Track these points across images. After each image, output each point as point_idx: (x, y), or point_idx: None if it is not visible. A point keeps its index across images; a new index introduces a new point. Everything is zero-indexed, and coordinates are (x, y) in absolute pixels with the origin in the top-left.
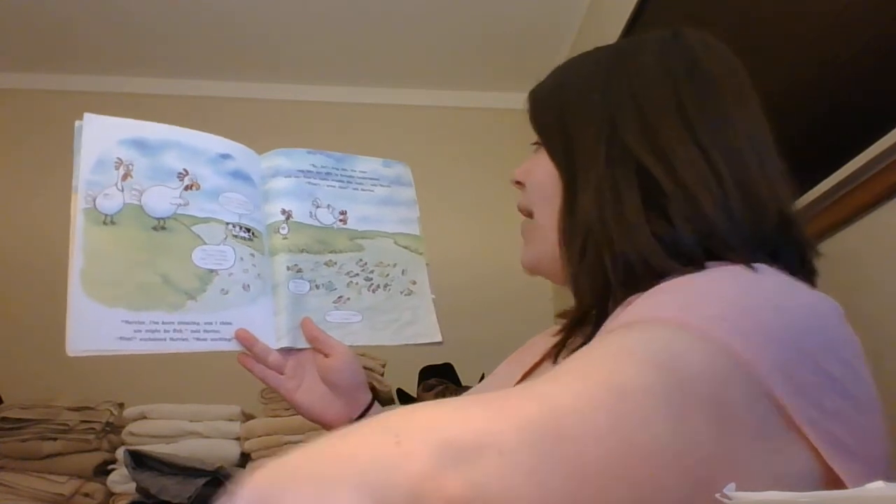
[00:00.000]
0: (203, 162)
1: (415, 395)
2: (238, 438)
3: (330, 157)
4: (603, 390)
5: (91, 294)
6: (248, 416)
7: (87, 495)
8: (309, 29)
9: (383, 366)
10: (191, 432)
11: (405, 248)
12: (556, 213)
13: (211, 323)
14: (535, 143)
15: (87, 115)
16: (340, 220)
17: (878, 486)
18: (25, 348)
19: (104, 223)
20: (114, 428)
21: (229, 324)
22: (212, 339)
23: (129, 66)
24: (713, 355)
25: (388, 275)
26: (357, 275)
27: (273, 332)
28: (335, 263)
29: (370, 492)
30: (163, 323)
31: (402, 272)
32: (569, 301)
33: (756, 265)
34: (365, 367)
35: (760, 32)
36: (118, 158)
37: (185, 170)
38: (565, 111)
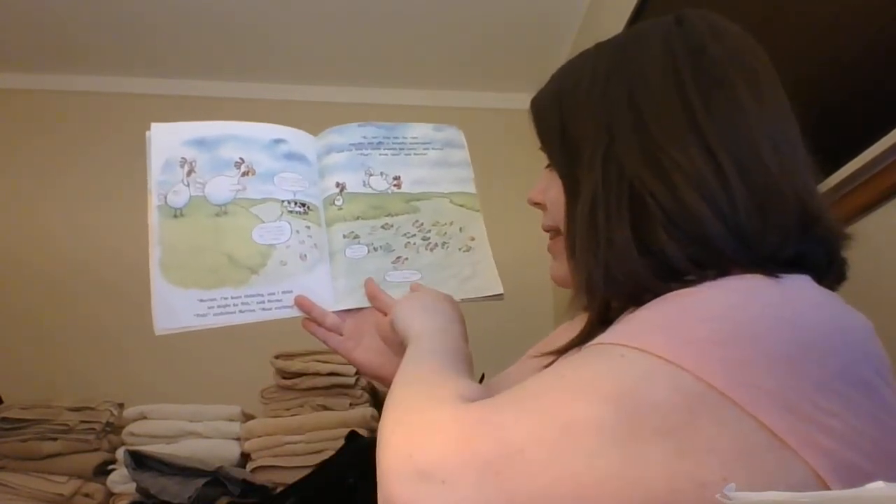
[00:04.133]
0: (258, 149)
1: None
2: (238, 438)
3: (381, 127)
4: (551, 426)
5: (169, 279)
6: (248, 417)
7: (87, 495)
8: (309, 29)
9: None
10: (191, 432)
11: (461, 206)
12: None
13: (274, 293)
14: (548, 166)
15: (153, 125)
16: (395, 185)
17: (878, 486)
18: (25, 348)
19: (175, 216)
20: (114, 428)
21: (290, 292)
22: (276, 308)
23: (129, 66)
24: (679, 384)
25: (445, 233)
26: (414, 235)
27: (331, 296)
28: (391, 226)
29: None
30: (231, 298)
31: (460, 229)
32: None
33: (778, 275)
34: None
35: (760, 33)
36: (182, 158)
37: (241, 158)
38: (564, 123)
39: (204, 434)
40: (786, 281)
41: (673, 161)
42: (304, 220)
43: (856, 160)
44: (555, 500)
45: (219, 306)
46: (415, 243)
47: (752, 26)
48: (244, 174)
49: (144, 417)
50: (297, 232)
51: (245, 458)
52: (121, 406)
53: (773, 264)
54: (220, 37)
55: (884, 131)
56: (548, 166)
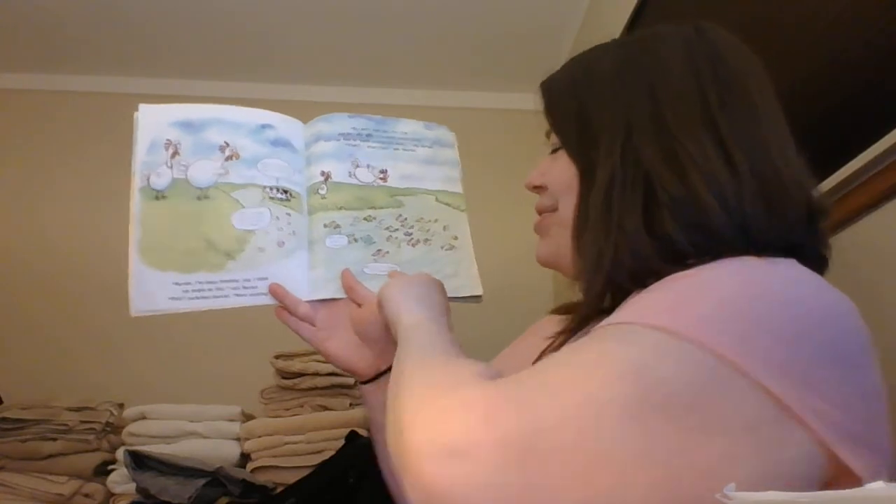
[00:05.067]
0: (244, 133)
1: None
2: (238, 439)
3: (371, 119)
4: (577, 405)
5: (147, 261)
6: (248, 417)
7: (87, 495)
8: (309, 29)
9: None
10: (191, 433)
11: (447, 204)
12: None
13: (249, 279)
14: (553, 149)
15: (142, 106)
16: (381, 178)
17: (878, 486)
18: (25, 348)
19: (156, 198)
20: (114, 428)
21: (265, 279)
22: (251, 295)
23: (129, 66)
24: (692, 359)
25: (428, 230)
26: (397, 230)
27: (307, 285)
28: (374, 219)
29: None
30: (207, 283)
31: (444, 228)
32: (569, 298)
33: (770, 258)
34: None
35: (761, 32)
36: (168, 140)
37: (225, 142)
38: (583, 109)
39: (204, 434)
40: (778, 262)
41: (687, 153)
42: (286, 206)
43: (856, 160)
44: (583, 478)
45: (194, 290)
46: (397, 238)
47: (752, 26)
48: (228, 158)
49: (144, 417)
50: (277, 218)
51: (245, 458)
52: (121, 406)
53: (767, 252)
54: (219, 37)
55: (884, 131)
56: (553, 151)
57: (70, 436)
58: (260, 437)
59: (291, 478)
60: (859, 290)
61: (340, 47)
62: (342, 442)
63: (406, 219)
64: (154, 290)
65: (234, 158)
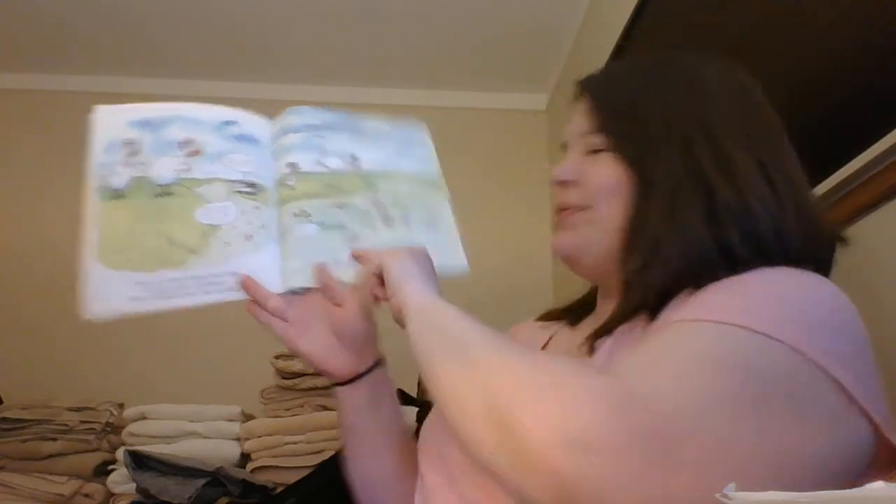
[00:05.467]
0: (207, 130)
1: (415, 396)
2: (238, 439)
3: (337, 113)
4: (695, 398)
5: (103, 261)
6: (248, 417)
7: (87, 496)
8: (308, 29)
9: None
10: (191, 433)
11: (422, 184)
12: (622, 211)
13: (216, 275)
14: (594, 150)
15: (98, 108)
16: (352, 164)
17: (878, 486)
18: (25, 348)
19: (114, 197)
20: (114, 428)
21: (235, 273)
22: (217, 291)
23: (129, 66)
24: (782, 355)
25: (406, 207)
26: (371, 213)
27: (280, 277)
28: (347, 205)
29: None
30: (170, 280)
31: (423, 208)
32: (569, 297)
33: (805, 270)
34: None
35: (761, 33)
36: (126, 139)
37: (187, 139)
38: (639, 116)
39: (204, 434)
40: (814, 274)
41: (740, 170)
42: (253, 200)
43: (856, 160)
44: (707, 466)
45: (157, 289)
46: (372, 221)
47: (752, 26)
48: (190, 154)
49: (144, 417)
50: (244, 213)
51: (245, 458)
52: (121, 406)
53: (800, 266)
54: (219, 37)
55: (884, 131)
56: (593, 152)
57: (70, 436)
58: (260, 437)
59: (291, 478)
60: (859, 291)
61: (340, 47)
62: (342, 442)
63: (381, 202)
64: (112, 291)
65: (197, 154)
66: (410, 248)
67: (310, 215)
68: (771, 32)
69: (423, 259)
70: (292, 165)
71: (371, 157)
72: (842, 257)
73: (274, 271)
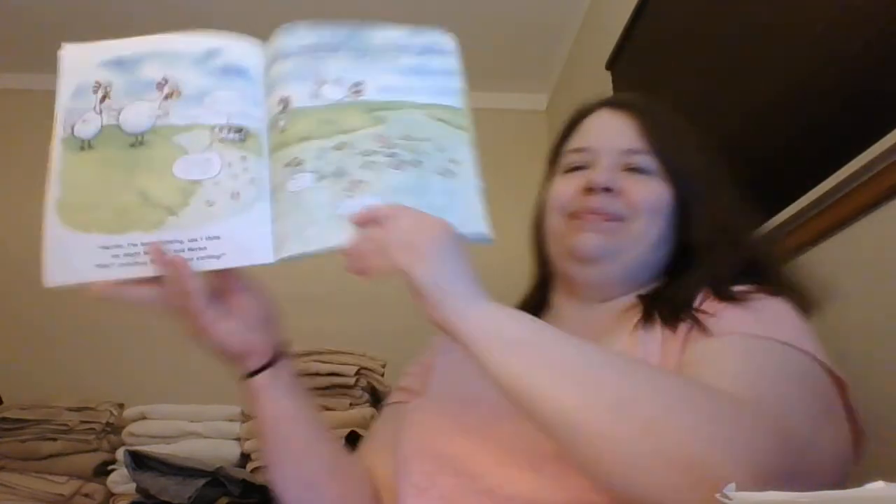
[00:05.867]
0: (186, 65)
1: None
2: (238, 439)
3: (339, 29)
4: (802, 413)
5: (67, 222)
6: (248, 417)
7: (87, 496)
8: None
9: (383, 366)
10: (191, 432)
11: (442, 121)
12: (660, 230)
13: (196, 239)
14: (641, 169)
15: (65, 46)
16: (354, 93)
17: (878, 486)
18: (25, 348)
19: (81, 149)
20: (114, 428)
21: (217, 238)
22: (199, 259)
23: None
24: (813, 366)
25: (417, 150)
26: (376, 153)
27: (271, 244)
28: (347, 145)
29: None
30: (142, 244)
31: (439, 149)
32: None
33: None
34: (364, 368)
35: (760, 32)
36: (96, 82)
37: (164, 78)
38: (684, 152)
39: (204, 434)
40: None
41: (739, 216)
42: (240, 149)
43: (856, 160)
44: (820, 479)
45: (126, 254)
46: (376, 162)
47: (752, 27)
48: (167, 97)
49: (144, 417)
50: (230, 165)
51: (245, 458)
52: (121, 406)
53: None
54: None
55: (884, 131)
56: (639, 171)
57: (70, 436)
58: None
59: None
60: (859, 291)
61: None
62: (342, 442)
63: (388, 138)
64: (75, 256)
65: (174, 96)
66: (434, 237)
67: (303, 162)
68: (770, 33)
69: (453, 249)
70: (284, 101)
71: (378, 82)
72: (842, 257)
73: (264, 237)
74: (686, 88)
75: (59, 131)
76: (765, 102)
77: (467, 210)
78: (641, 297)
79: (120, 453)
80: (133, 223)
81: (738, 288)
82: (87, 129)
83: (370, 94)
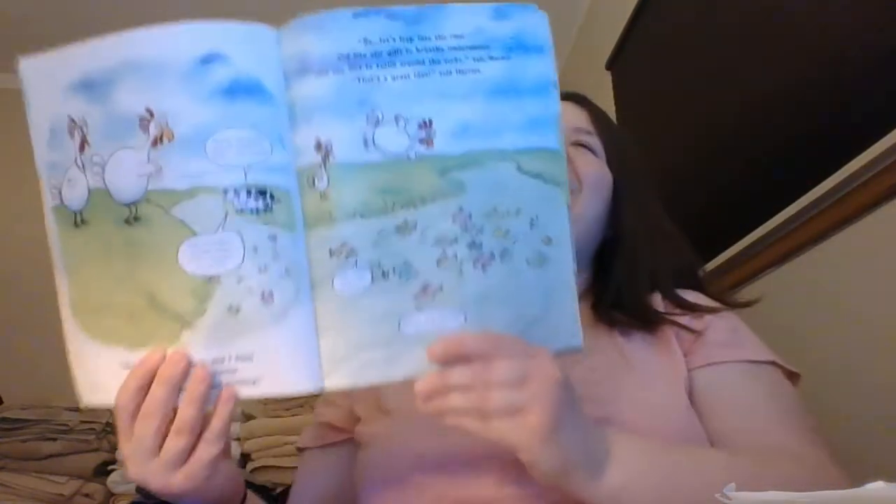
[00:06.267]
0: (174, 83)
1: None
2: (238, 439)
3: (396, 16)
4: (808, 442)
5: (87, 329)
6: (248, 417)
7: (87, 495)
8: None
9: None
10: None
11: (536, 176)
12: (602, 209)
13: (222, 360)
14: (582, 145)
15: (23, 62)
16: (422, 141)
17: (878, 486)
18: (25, 348)
19: (75, 224)
20: (114, 428)
21: (249, 358)
22: (228, 385)
23: None
24: (778, 372)
25: (507, 232)
26: (455, 240)
27: (317, 364)
28: (415, 226)
29: None
30: None
31: (531, 223)
32: None
33: None
34: None
35: (759, 32)
36: (70, 119)
37: (147, 110)
38: (620, 148)
39: None
40: None
41: (666, 223)
42: (266, 223)
43: (856, 160)
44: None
45: None
46: (456, 255)
47: (752, 26)
48: (156, 141)
49: None
50: (256, 250)
51: (245, 458)
52: None
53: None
54: None
55: (884, 131)
56: (581, 145)
57: (70, 436)
58: (260, 437)
59: (291, 478)
60: (860, 290)
61: None
62: None
63: (470, 215)
64: (106, 372)
65: (165, 140)
66: (551, 398)
67: (356, 252)
68: (769, 34)
69: (571, 408)
70: (324, 148)
71: (453, 115)
72: (842, 257)
73: (309, 355)
74: (686, 88)
75: (46, 197)
76: (764, 103)
77: (562, 316)
78: (594, 298)
79: (120, 453)
80: (148, 336)
81: (686, 294)
82: (74, 196)
83: (442, 139)
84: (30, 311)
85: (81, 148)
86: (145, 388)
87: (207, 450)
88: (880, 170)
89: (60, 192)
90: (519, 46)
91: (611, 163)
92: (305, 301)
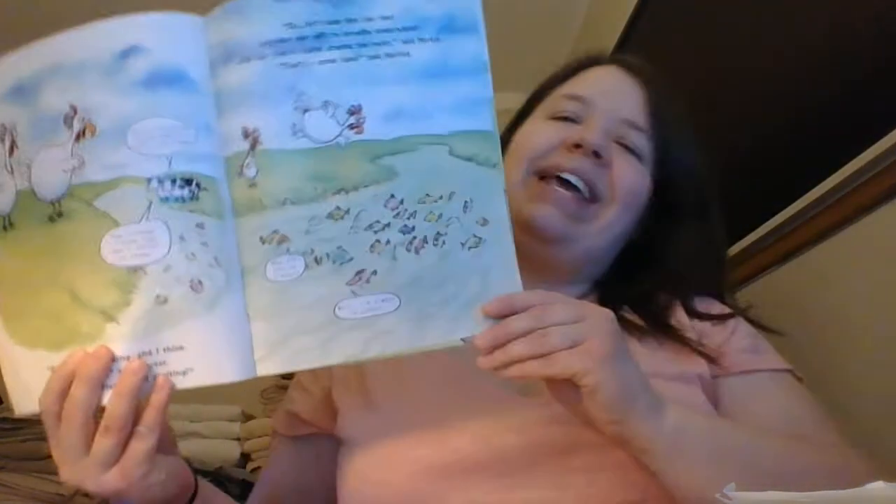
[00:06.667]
0: (95, 79)
1: None
2: (238, 439)
3: (321, 3)
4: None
5: (14, 335)
6: (248, 417)
7: (87, 495)
8: None
9: None
10: (191, 432)
11: (469, 159)
12: (629, 223)
13: (149, 353)
14: (626, 147)
15: None
16: (352, 127)
17: (878, 486)
18: None
19: (4, 228)
20: None
21: (180, 348)
22: (156, 378)
23: None
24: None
25: (439, 215)
26: (387, 226)
27: (249, 352)
28: (347, 212)
29: None
30: None
31: (465, 206)
32: None
33: None
34: None
35: (759, 32)
36: (2, 125)
37: (71, 107)
38: (679, 160)
39: (204, 434)
40: None
41: (712, 235)
42: (193, 211)
43: (856, 160)
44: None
45: None
46: (388, 241)
47: (752, 26)
48: (79, 136)
49: None
50: (182, 238)
51: (245, 458)
52: None
53: None
54: None
55: (884, 131)
56: (625, 146)
57: None
58: (260, 437)
59: None
60: (860, 290)
61: None
62: None
63: (402, 200)
64: (32, 379)
65: (87, 134)
66: (607, 332)
67: (287, 239)
68: (770, 32)
69: (624, 344)
70: (251, 136)
71: (383, 101)
72: (842, 257)
73: (241, 344)
74: (685, 89)
75: None
76: (765, 103)
77: (504, 291)
78: (602, 294)
79: None
80: (69, 336)
81: (704, 305)
82: (3, 200)
83: (373, 124)
84: None
85: (10, 152)
86: (68, 389)
87: (140, 445)
88: (880, 170)
89: None
90: (450, 27)
91: (659, 168)
92: (236, 289)
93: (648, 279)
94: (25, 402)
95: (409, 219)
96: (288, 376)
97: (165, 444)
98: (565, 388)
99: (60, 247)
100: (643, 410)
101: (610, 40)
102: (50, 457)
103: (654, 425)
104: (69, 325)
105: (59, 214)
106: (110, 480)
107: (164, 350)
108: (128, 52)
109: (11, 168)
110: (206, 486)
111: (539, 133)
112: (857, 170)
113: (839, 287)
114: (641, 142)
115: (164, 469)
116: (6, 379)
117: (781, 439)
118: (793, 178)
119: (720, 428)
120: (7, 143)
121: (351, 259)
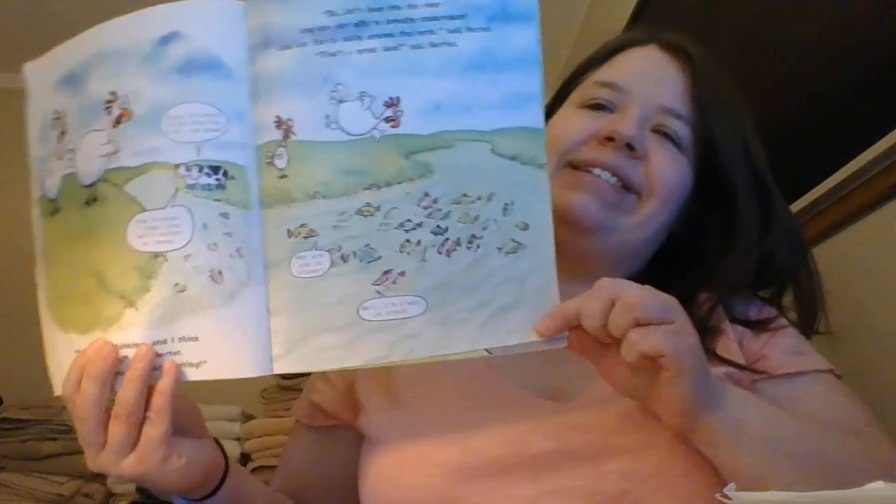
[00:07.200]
0: (136, 65)
1: None
2: (238, 439)
3: None
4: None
5: (55, 318)
6: (248, 417)
7: (87, 495)
8: None
9: None
10: None
11: (512, 158)
12: (669, 217)
13: (164, 341)
14: (666, 135)
15: (28, 67)
16: (388, 120)
17: (878, 486)
18: (25, 348)
19: (52, 213)
20: None
21: (194, 339)
22: (169, 360)
23: None
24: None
25: (476, 217)
26: (419, 225)
27: (267, 348)
28: (377, 209)
29: None
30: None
31: (505, 208)
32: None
33: None
34: None
35: (759, 32)
36: (54, 113)
37: (111, 93)
38: (728, 141)
39: None
40: None
41: (762, 229)
42: (219, 199)
43: (856, 160)
44: None
45: None
46: (419, 242)
47: (752, 26)
48: (117, 121)
49: None
50: (206, 227)
51: (245, 458)
52: None
53: None
54: None
55: (884, 131)
56: (664, 135)
57: (70, 436)
58: (260, 437)
59: None
60: (860, 290)
61: None
62: None
63: (436, 199)
64: (65, 362)
65: (124, 119)
66: (685, 328)
67: (315, 234)
68: (770, 32)
69: (697, 338)
70: (284, 125)
71: (423, 94)
72: (842, 257)
73: (259, 338)
74: None
75: (35, 189)
76: (764, 104)
77: (540, 306)
78: None
79: None
80: (95, 320)
81: (748, 312)
82: (51, 185)
83: (410, 117)
84: (30, 311)
85: (60, 138)
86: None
87: (152, 431)
88: (880, 170)
89: (43, 184)
90: (502, 14)
91: (701, 157)
92: (258, 282)
93: (691, 276)
94: (60, 385)
95: (442, 219)
96: (290, 376)
97: (189, 428)
98: (633, 373)
99: (93, 231)
100: (714, 399)
101: None
102: (50, 457)
103: (722, 415)
104: (95, 310)
105: (94, 199)
106: (128, 467)
107: (180, 340)
108: (168, 39)
109: (60, 154)
110: (237, 470)
111: (570, 124)
112: (857, 170)
113: (838, 287)
114: (681, 130)
115: (185, 454)
116: (48, 361)
117: (837, 432)
118: (792, 179)
119: (775, 415)
120: (57, 131)
121: (379, 258)
